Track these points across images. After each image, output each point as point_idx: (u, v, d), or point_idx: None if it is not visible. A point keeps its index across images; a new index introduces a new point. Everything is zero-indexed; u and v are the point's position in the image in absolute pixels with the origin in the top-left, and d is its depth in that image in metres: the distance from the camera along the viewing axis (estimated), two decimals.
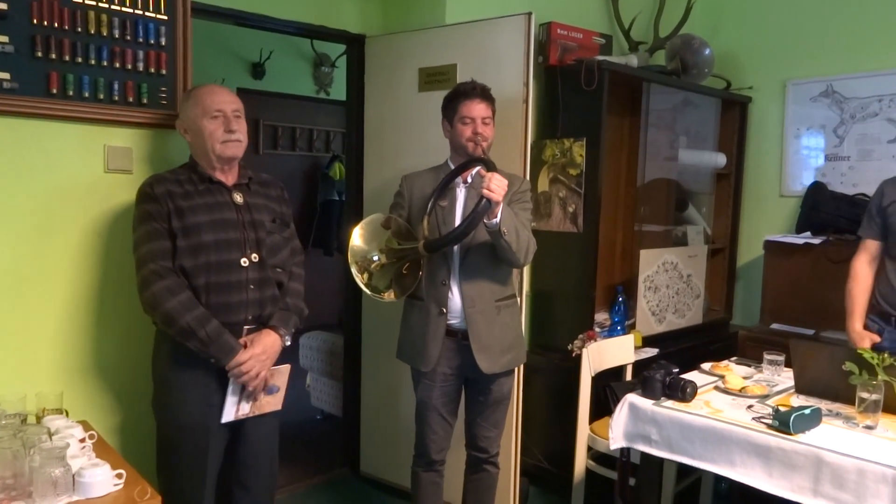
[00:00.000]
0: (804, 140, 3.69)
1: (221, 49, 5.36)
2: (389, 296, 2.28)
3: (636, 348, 3.03)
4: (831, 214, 3.34)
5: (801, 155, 3.70)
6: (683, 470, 2.62)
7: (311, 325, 4.45)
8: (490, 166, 2.14)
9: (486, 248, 2.25)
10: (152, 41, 2.20)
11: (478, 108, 2.26)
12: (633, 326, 3.21)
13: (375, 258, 2.25)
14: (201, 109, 1.94)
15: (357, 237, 2.24)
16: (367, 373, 3.26)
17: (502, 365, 2.32)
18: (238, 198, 2.00)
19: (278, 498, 3.13)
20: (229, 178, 2.01)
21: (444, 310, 2.29)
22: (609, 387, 2.52)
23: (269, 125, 5.96)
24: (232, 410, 1.92)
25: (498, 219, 2.11)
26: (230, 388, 1.91)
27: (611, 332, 3.14)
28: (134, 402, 2.22)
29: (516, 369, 2.54)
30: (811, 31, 3.62)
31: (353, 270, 2.22)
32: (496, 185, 2.05)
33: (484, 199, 2.04)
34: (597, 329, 3.10)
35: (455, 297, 2.29)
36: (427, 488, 2.46)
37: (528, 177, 2.67)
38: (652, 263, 3.28)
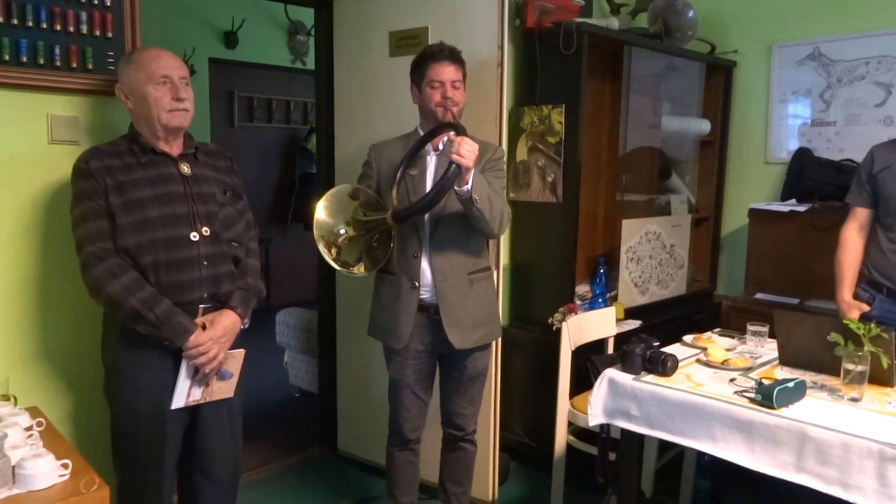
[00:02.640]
0: (790, 105, 3.59)
1: (191, 17, 5.16)
2: (360, 269, 2.19)
3: (618, 321, 2.96)
4: (817, 181, 3.25)
5: (787, 121, 3.61)
6: (666, 444, 2.56)
7: (289, 301, 4.37)
8: (460, 131, 2.03)
9: (458, 219, 2.16)
10: (96, 2, 2.04)
11: (447, 71, 2.15)
12: (615, 298, 3.14)
13: (342, 231, 2.15)
14: (145, 74, 1.79)
15: (321, 210, 2.13)
16: (343, 350, 3.17)
17: (475, 340, 2.24)
18: (185, 168, 1.86)
19: (255, 478, 3.06)
20: (174, 148, 1.87)
21: (416, 283, 2.19)
22: (590, 360, 2.45)
23: (244, 97, 5.71)
24: (183, 395, 1.81)
25: (469, 185, 2.01)
26: (182, 372, 1.80)
27: (592, 305, 3.06)
28: (87, 388, 2.10)
29: (493, 344, 2.46)
30: None
31: (321, 246, 2.12)
32: (466, 150, 1.95)
33: (454, 165, 1.94)
34: (577, 302, 3.02)
35: (426, 270, 2.19)
36: (402, 468, 2.40)
37: (504, 145, 2.57)
38: (634, 234, 3.19)
